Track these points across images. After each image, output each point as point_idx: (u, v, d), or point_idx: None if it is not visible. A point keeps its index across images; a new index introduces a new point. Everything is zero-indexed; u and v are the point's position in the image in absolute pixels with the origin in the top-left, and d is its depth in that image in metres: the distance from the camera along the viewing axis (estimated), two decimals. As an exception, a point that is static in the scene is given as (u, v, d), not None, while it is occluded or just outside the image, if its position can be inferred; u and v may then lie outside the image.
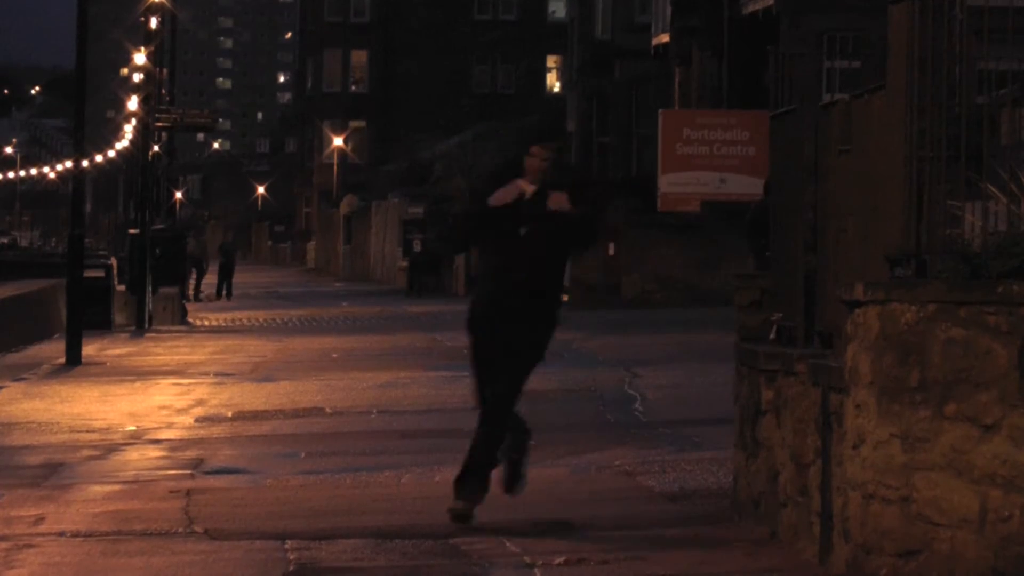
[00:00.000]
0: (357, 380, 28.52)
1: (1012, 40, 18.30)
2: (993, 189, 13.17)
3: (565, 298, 48.17)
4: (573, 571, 13.02)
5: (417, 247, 69.24)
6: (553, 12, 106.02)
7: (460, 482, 14.24)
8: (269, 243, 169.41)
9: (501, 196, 12.96)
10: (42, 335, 39.50)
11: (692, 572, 13.01)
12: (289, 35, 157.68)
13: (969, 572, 11.75)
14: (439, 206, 71.11)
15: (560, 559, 13.37)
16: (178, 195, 75.36)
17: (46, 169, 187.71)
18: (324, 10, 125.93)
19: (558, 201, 12.82)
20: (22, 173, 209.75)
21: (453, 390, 25.55)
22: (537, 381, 26.27)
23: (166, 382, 29.26)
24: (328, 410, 24.78)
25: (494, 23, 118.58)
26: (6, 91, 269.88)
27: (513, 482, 14.69)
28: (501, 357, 14.01)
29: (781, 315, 15.99)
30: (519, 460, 14.58)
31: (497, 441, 14.32)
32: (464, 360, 30.14)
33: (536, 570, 13.06)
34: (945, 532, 11.87)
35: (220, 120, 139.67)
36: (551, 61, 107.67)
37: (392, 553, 13.28)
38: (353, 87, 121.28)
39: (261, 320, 49.44)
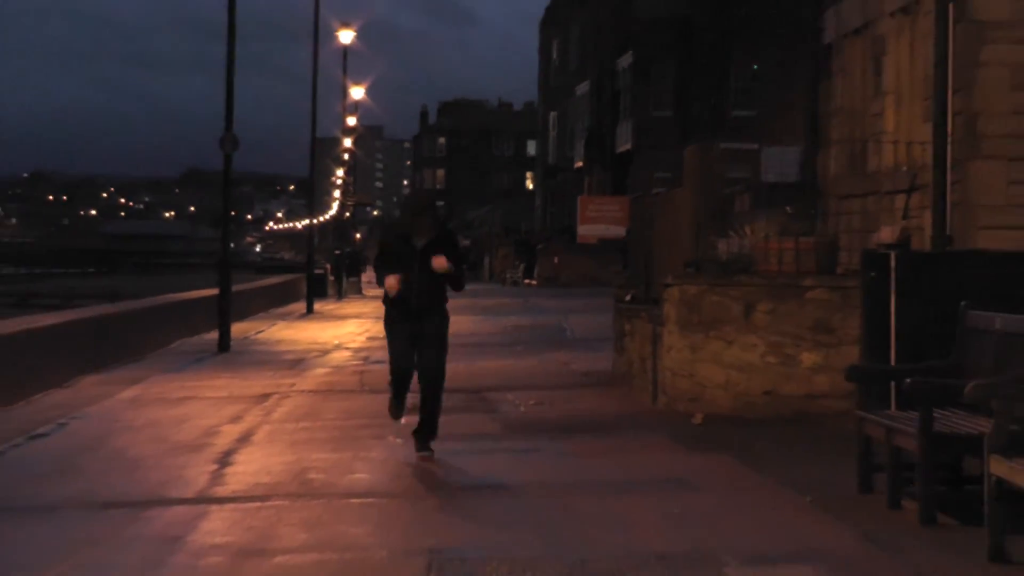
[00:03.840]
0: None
1: (741, 162, 18.32)
2: (735, 233, 13.17)
3: (532, 282, 49.08)
4: (539, 408, 12.97)
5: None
6: (531, 152, 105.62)
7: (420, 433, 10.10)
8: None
9: (392, 285, 9.71)
10: (293, 300, 39.47)
11: (594, 406, 12.96)
12: (409, 162, 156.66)
13: (721, 409, 11.77)
14: (476, 242, 70.86)
15: (532, 401, 13.35)
16: (357, 235, 75.29)
17: (297, 224, 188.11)
18: (423, 150, 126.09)
19: (439, 264, 9.70)
20: (284, 225, 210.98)
21: (484, 324, 25.45)
22: (520, 321, 26.46)
23: (352, 321, 29.22)
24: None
25: (502, 156, 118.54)
26: (278, 187, 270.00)
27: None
28: (427, 343, 9.92)
29: (634, 291, 16.00)
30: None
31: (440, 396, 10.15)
32: (486, 309, 30.56)
33: (521, 407, 13.03)
34: (709, 391, 11.90)
35: (377, 201, 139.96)
36: (528, 175, 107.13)
37: (453, 399, 13.22)
38: (437, 186, 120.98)
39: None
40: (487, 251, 63.91)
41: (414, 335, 9.92)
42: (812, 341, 11.71)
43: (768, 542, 7.06)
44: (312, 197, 44.60)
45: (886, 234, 11.52)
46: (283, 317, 32.00)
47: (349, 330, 26.13)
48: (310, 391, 14.99)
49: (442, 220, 10.20)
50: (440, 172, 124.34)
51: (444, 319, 10.06)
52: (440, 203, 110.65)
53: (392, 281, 9.72)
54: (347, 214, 67.96)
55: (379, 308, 10.72)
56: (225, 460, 10.14)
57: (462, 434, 11.07)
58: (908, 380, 7.65)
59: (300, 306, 36.07)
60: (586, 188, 56.77)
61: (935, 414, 7.49)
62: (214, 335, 21.78)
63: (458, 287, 10.04)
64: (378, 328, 26.40)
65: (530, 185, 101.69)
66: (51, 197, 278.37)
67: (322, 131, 43.68)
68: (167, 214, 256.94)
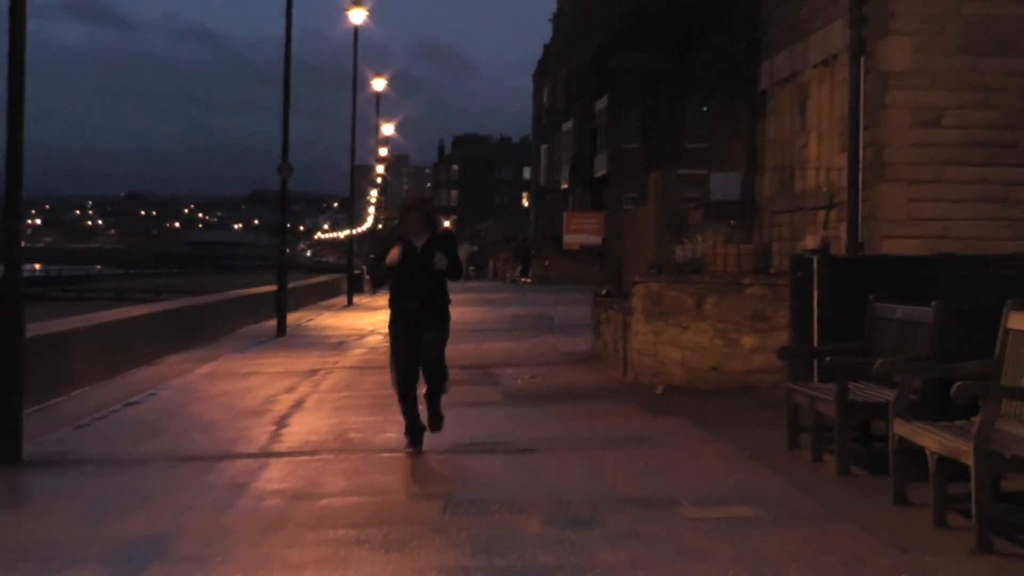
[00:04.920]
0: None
1: (693, 184, 18.24)
2: (689, 241, 13.14)
3: (527, 281, 48.96)
4: (533, 380, 12.91)
5: (467, 262, 67.19)
6: (526, 176, 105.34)
7: (429, 424, 8.61)
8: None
9: (392, 256, 8.31)
10: (336, 295, 39.31)
11: (577, 379, 12.90)
12: (429, 184, 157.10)
13: (677, 381, 11.74)
14: (483, 247, 70.52)
15: (528, 374, 13.32)
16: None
17: (340, 234, 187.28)
18: (441, 175, 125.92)
19: (440, 260, 8.29)
20: (329, 235, 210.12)
21: (489, 314, 25.42)
22: (517, 312, 26.40)
23: (384, 311, 28.58)
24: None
25: (504, 180, 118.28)
26: (324, 205, 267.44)
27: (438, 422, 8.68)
28: (425, 348, 8.42)
29: (609, 287, 15.96)
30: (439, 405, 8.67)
31: (441, 392, 8.61)
32: (490, 302, 30.52)
33: (518, 380, 12.98)
34: (668, 367, 11.87)
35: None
36: (524, 195, 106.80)
37: (465, 372, 13.22)
38: (451, 203, 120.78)
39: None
40: (491, 255, 63.92)
41: (418, 336, 8.38)
42: (750, 327, 11.69)
43: (716, 487, 7.05)
44: (351, 212, 44.58)
45: (810, 242, 11.51)
46: (328, 308, 31.96)
47: (382, 318, 25.80)
48: (350, 367, 14.96)
49: (433, 219, 8.57)
50: (454, 192, 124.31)
51: (445, 319, 8.53)
52: (452, 216, 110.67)
53: (392, 254, 8.25)
54: (379, 226, 68.09)
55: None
56: (282, 422, 10.13)
57: (472, 401, 11.05)
58: (828, 358, 7.65)
59: (342, 299, 36.03)
60: (570, 205, 56.71)
61: (849, 386, 7.49)
62: (273, 323, 21.76)
63: (454, 277, 8.56)
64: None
65: (526, 203, 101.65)
66: (143, 212, 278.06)
67: (359, 159, 43.64)
68: (236, 226, 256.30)
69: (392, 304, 8.64)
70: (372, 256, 8.55)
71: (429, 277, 8.45)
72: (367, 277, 45.96)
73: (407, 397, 8.48)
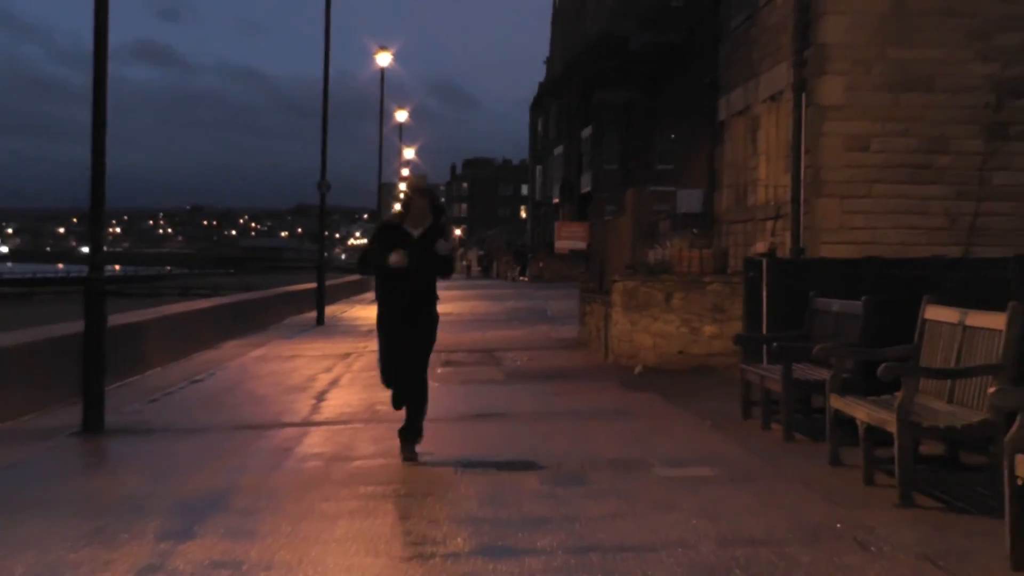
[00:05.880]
0: (460, 305, 28.43)
1: (663, 199, 18.23)
2: (659, 246, 13.11)
3: (525, 279, 48.74)
4: (529, 361, 12.87)
5: (475, 263, 66.37)
6: (524, 192, 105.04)
7: (405, 435, 6.91)
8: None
9: (396, 261, 6.65)
10: (365, 291, 39.07)
11: (566, 362, 12.84)
12: (443, 199, 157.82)
13: (649, 363, 11.70)
14: (487, 252, 70.16)
15: (526, 357, 13.26)
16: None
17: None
18: (453, 191, 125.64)
19: (443, 245, 6.67)
20: (360, 241, 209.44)
21: (493, 307, 25.36)
22: (517, 305, 26.30)
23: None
24: (453, 312, 24.61)
25: (505, 195, 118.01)
26: (356, 216, 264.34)
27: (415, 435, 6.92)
28: (412, 346, 6.86)
29: (592, 284, 15.92)
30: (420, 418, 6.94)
31: (425, 399, 6.96)
32: (494, 297, 30.40)
33: (517, 361, 12.93)
34: (642, 351, 11.82)
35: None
36: (522, 208, 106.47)
37: (473, 355, 13.20)
38: (461, 214, 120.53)
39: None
40: (495, 258, 63.88)
41: (405, 333, 6.84)
42: (711, 318, 11.68)
43: (682, 451, 7.04)
44: (379, 218, 44.59)
45: (760, 247, 11.50)
46: (359, 302, 31.89)
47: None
48: (378, 351, 14.91)
49: (439, 207, 6.95)
50: (464, 206, 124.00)
51: (434, 319, 6.92)
52: (462, 225, 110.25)
53: (396, 257, 6.68)
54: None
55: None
56: (321, 397, 10.11)
57: (478, 380, 11.03)
58: (775, 344, 7.64)
59: (371, 295, 35.84)
60: (561, 216, 56.65)
61: (793, 366, 7.48)
62: (313, 314, 21.74)
63: (448, 271, 6.97)
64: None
65: (524, 214, 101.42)
66: (205, 222, 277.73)
67: (385, 178, 43.60)
68: (283, 234, 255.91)
69: (380, 297, 6.96)
70: (369, 245, 6.87)
71: (422, 274, 6.78)
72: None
73: (395, 394, 7.08)
